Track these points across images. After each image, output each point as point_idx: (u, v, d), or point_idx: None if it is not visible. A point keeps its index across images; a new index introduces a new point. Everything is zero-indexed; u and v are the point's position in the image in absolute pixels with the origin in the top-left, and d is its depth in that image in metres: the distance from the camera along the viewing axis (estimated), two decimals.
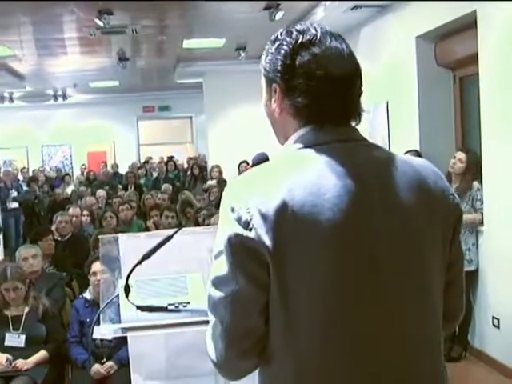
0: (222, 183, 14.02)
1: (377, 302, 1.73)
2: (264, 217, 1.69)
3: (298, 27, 1.88)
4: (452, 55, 8.20)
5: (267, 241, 1.68)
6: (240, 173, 14.13)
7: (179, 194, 12.43)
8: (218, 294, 1.77)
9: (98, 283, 5.50)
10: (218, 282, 1.77)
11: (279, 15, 9.25)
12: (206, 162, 17.13)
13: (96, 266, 5.64)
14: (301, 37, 1.84)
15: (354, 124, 1.88)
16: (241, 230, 1.71)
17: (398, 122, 9.04)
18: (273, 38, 1.92)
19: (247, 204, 1.72)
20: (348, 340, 1.72)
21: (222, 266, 1.76)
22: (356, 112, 1.87)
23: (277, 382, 1.79)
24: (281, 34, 1.90)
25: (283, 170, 1.78)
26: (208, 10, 9.77)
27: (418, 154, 7.78)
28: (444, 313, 1.89)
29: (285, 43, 1.86)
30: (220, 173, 14.53)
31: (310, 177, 1.74)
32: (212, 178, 14.58)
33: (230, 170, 13.69)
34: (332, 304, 1.71)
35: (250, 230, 1.70)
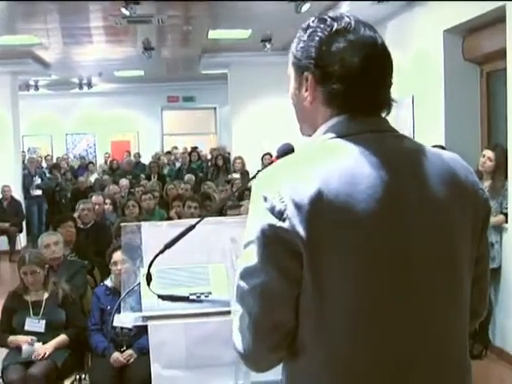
0: (244, 175, 14.02)
1: (409, 294, 1.71)
2: (298, 206, 1.66)
3: (331, 15, 1.86)
4: (480, 50, 8.13)
5: (301, 231, 1.65)
6: (263, 165, 14.13)
7: (202, 184, 12.44)
8: (246, 285, 1.74)
9: (119, 273, 5.51)
10: (247, 273, 1.74)
11: (305, 7, 9.22)
12: (229, 153, 17.13)
13: (117, 256, 5.64)
14: (335, 24, 1.82)
15: (383, 115, 1.85)
16: (274, 221, 1.68)
17: (424, 116, 8.98)
18: (304, 25, 1.89)
19: (281, 193, 1.69)
20: (380, 332, 1.70)
21: (252, 257, 1.72)
22: (387, 102, 1.85)
23: (307, 375, 1.76)
24: (313, 21, 1.87)
25: (317, 158, 1.75)
26: (234, 1, 9.75)
27: (442, 149, 7.69)
28: (470, 309, 1.86)
29: (319, 30, 1.83)
30: (243, 164, 14.51)
31: (345, 166, 1.71)
32: (235, 170, 14.56)
33: (253, 161, 13.67)
34: (365, 296, 1.68)
35: (284, 220, 1.66)
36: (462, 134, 8.23)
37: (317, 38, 1.82)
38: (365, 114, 1.80)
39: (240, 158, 14.70)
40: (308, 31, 1.86)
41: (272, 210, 1.68)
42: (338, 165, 1.71)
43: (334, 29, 1.81)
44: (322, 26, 1.83)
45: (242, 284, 1.76)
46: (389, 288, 1.70)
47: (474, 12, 7.54)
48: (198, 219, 2.41)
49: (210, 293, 2.63)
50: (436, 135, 8.38)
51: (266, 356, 1.81)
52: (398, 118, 9.30)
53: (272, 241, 1.68)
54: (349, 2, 9.25)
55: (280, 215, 1.67)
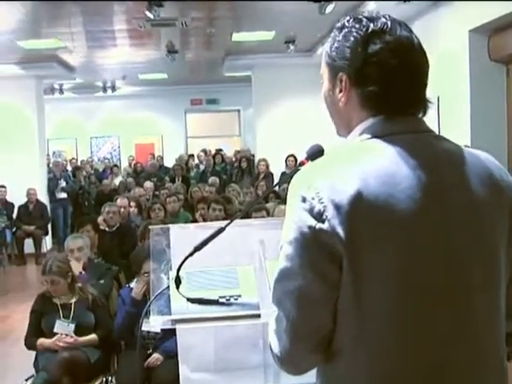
0: (268, 177, 14.02)
1: (448, 296, 1.69)
2: (338, 207, 1.64)
3: (367, 15, 1.85)
4: (506, 49, 8.07)
5: (341, 232, 1.63)
6: (287, 167, 14.15)
7: (226, 187, 12.45)
8: (283, 287, 1.73)
9: (146, 288, 5.54)
10: (284, 276, 1.73)
11: (329, 8, 9.17)
12: (253, 156, 17.13)
13: (147, 266, 5.64)
14: (371, 24, 1.80)
15: (420, 115, 1.85)
16: (313, 222, 1.66)
17: (449, 117, 8.92)
18: (339, 25, 1.87)
19: (320, 194, 1.67)
20: (419, 334, 1.68)
21: (289, 259, 1.71)
22: (423, 103, 1.85)
23: (343, 379, 1.75)
24: (348, 21, 1.85)
25: (354, 158, 1.73)
26: (257, 3, 9.75)
27: None
28: (506, 311, 1.84)
29: (354, 30, 1.82)
30: (267, 166, 14.51)
31: (383, 166, 1.69)
32: (259, 172, 14.56)
33: (278, 163, 13.68)
34: (406, 297, 1.66)
35: (323, 221, 1.65)
36: (487, 135, 8.17)
37: (352, 39, 1.81)
38: (401, 115, 1.79)
39: (264, 160, 14.70)
40: (343, 31, 1.84)
41: (311, 211, 1.67)
42: (376, 165, 1.70)
43: (369, 29, 1.80)
44: (357, 26, 1.82)
45: (279, 287, 1.75)
46: (429, 289, 1.68)
47: (499, 11, 7.48)
48: (227, 221, 2.40)
49: (240, 296, 2.62)
50: (462, 136, 8.31)
51: (302, 359, 1.79)
52: (424, 119, 9.25)
53: (310, 243, 1.67)
54: (374, 1, 9.20)
55: (319, 216, 1.66)
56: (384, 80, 1.76)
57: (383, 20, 1.81)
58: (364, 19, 1.82)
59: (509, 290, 1.84)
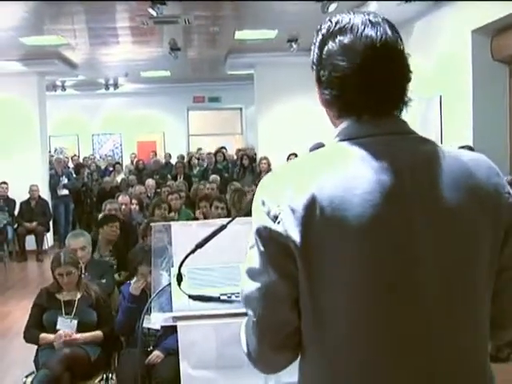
0: None
1: (412, 301, 1.66)
2: (293, 211, 1.66)
3: (338, 15, 1.82)
4: (508, 50, 8.08)
5: (295, 236, 1.65)
6: None
7: (228, 184, 12.44)
8: (250, 286, 1.76)
9: (146, 284, 5.61)
10: (250, 275, 1.76)
11: (332, 7, 9.17)
12: (255, 154, 17.13)
13: (142, 269, 5.70)
14: (333, 26, 1.79)
15: (396, 113, 1.79)
16: (269, 223, 1.69)
17: (451, 116, 8.93)
18: (317, 27, 1.86)
19: (278, 199, 1.70)
20: (376, 339, 1.67)
21: (253, 259, 1.74)
22: (396, 102, 1.78)
23: (312, 378, 1.77)
24: (324, 23, 1.84)
25: (316, 165, 1.73)
26: (260, 2, 9.74)
27: (471, 149, 7.65)
28: (498, 319, 1.80)
29: (320, 33, 1.82)
30: (269, 165, 14.48)
31: (343, 172, 1.68)
32: (261, 170, 14.55)
33: (279, 162, 13.66)
34: (358, 303, 1.66)
35: (278, 223, 1.68)
36: (490, 134, 8.17)
37: (316, 42, 1.82)
38: (372, 116, 1.75)
39: (265, 158, 14.69)
40: (315, 34, 1.84)
41: (268, 214, 1.70)
42: (337, 170, 1.69)
43: (330, 31, 1.79)
44: (323, 28, 1.82)
45: (246, 285, 1.77)
46: (382, 296, 1.66)
47: (502, 11, 7.48)
48: (229, 219, 2.40)
49: None
50: (464, 136, 8.32)
51: (271, 357, 1.82)
52: (426, 119, 9.26)
53: (269, 242, 1.70)
54: (376, 1, 9.20)
55: (275, 219, 1.69)
56: (336, 82, 1.75)
57: (346, 19, 1.78)
58: (331, 20, 1.81)
59: (497, 299, 1.78)
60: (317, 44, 1.81)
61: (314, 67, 1.83)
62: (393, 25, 1.80)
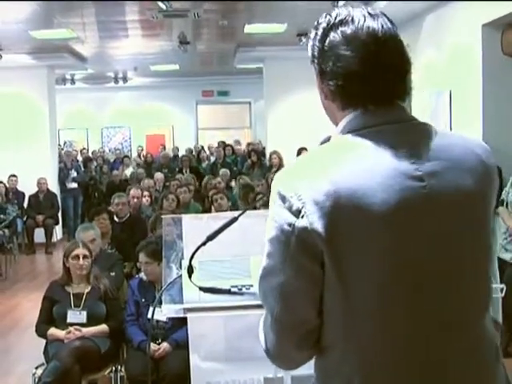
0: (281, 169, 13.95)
1: (431, 287, 1.69)
2: (316, 203, 1.65)
3: (337, 10, 1.84)
4: None
5: (320, 228, 1.64)
6: None
7: (237, 178, 12.44)
8: (267, 284, 1.76)
9: (147, 272, 5.69)
10: (267, 273, 1.76)
11: (342, 1, 9.16)
12: (264, 148, 17.11)
13: (142, 257, 5.79)
14: (333, 19, 1.80)
15: (401, 103, 1.81)
16: (292, 219, 1.68)
17: (461, 111, 8.90)
18: (315, 22, 1.88)
19: (298, 191, 1.68)
20: (408, 326, 1.69)
21: (271, 256, 1.74)
22: (400, 92, 1.80)
23: (339, 374, 1.75)
24: (321, 18, 1.86)
25: (332, 156, 1.74)
26: None
27: None
28: None
29: (320, 27, 1.83)
30: (280, 159, 14.43)
31: (361, 161, 1.70)
32: (272, 165, 14.51)
33: (289, 156, 13.65)
34: (391, 289, 1.67)
35: (302, 217, 1.66)
36: (500, 129, 8.14)
37: (316, 35, 1.83)
38: (376, 106, 1.77)
39: (276, 152, 14.63)
40: (314, 29, 1.86)
41: (290, 209, 1.69)
42: (354, 159, 1.71)
43: (330, 23, 1.80)
44: (322, 21, 1.83)
45: (263, 284, 1.78)
46: (416, 281, 1.69)
47: None
48: (240, 212, 2.41)
49: (252, 285, 2.63)
50: (474, 130, 8.29)
51: (290, 354, 1.83)
52: (436, 113, 9.24)
53: (291, 240, 1.68)
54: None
55: (298, 213, 1.67)
56: (341, 73, 1.76)
57: (346, 12, 1.80)
58: (330, 14, 1.83)
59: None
60: (317, 38, 1.83)
61: (316, 60, 1.84)
62: (390, 19, 1.83)
